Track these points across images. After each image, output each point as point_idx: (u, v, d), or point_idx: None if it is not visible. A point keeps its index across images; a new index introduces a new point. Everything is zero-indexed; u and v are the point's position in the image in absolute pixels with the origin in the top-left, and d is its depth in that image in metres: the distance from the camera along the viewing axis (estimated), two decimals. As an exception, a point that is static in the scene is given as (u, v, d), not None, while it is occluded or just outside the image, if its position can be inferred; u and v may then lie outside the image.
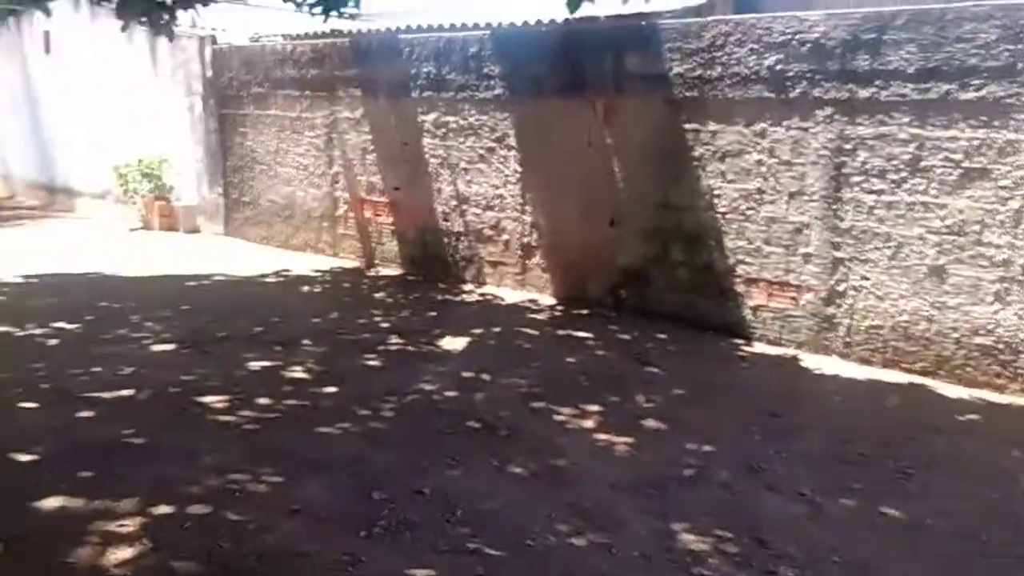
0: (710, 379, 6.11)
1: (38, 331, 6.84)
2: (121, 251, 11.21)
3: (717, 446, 4.86)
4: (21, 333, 6.77)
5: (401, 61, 9.55)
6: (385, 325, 7.47)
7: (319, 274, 9.96)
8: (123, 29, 9.06)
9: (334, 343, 6.77)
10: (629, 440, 4.91)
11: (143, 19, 8.87)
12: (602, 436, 4.97)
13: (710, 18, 7.36)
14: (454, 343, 6.82)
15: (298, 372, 5.95)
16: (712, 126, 7.14)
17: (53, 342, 6.54)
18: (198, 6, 9.13)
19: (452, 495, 4.10)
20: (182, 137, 13.16)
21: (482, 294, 8.75)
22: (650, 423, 5.20)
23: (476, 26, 9.13)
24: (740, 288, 7.12)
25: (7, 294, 8.29)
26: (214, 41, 12.51)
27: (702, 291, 7.36)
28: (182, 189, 13.29)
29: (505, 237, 8.86)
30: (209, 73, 12.50)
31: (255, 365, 6.08)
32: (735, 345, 6.93)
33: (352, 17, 10.06)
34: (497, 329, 7.25)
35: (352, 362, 6.24)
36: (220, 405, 5.20)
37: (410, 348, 6.66)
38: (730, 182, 7.10)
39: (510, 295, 8.61)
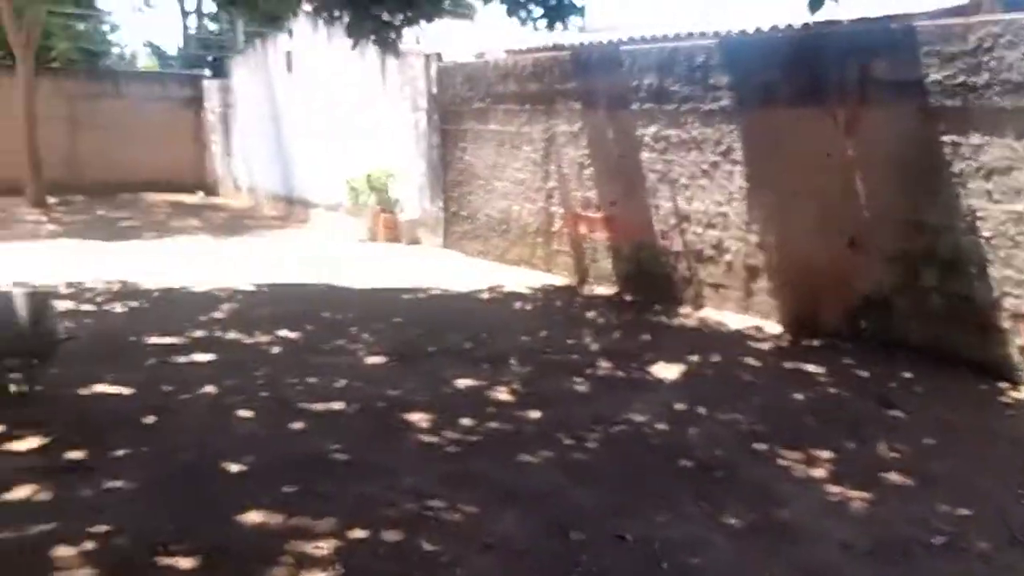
0: (966, 427, 5.28)
1: (264, 339, 7.11)
2: (346, 262, 11.66)
3: (974, 508, 4.12)
4: (248, 340, 7.07)
5: (621, 73, 9.22)
6: (595, 347, 7.15)
7: (531, 290, 9.82)
8: (353, 47, 9.42)
9: (541, 363, 6.53)
10: (867, 495, 4.26)
11: (372, 37, 9.13)
12: (834, 488, 4.36)
13: (975, 18, 6.44)
14: (667, 371, 6.37)
15: (503, 393, 5.74)
16: (976, 139, 6.23)
17: (276, 350, 6.76)
18: (422, 23, 9.32)
19: (657, 544, 3.68)
20: (407, 152, 13.58)
21: (700, 318, 8.23)
22: (892, 476, 4.51)
23: (703, 35, 8.63)
24: (1006, 323, 6.15)
25: (240, 302, 8.76)
26: (439, 58, 12.80)
27: (957, 324, 6.44)
28: (406, 202, 13.71)
29: (728, 258, 8.28)
30: (434, 89, 12.80)
31: (461, 383, 5.94)
32: (997, 388, 5.99)
33: (580, 29, 9.90)
34: (716, 358, 6.72)
35: (558, 385, 5.96)
36: (424, 424, 5.07)
37: (620, 373, 6.29)
38: (996, 202, 6.16)
39: (732, 320, 8.02)
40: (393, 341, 7.13)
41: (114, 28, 41.32)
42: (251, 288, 9.53)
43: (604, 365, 6.52)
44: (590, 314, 8.58)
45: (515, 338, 7.38)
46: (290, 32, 16.99)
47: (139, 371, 5.97)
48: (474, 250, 12.19)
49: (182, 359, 6.36)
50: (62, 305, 8.08)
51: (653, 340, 7.40)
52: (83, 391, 5.43)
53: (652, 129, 8.95)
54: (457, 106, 12.29)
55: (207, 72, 24.25)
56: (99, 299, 8.55)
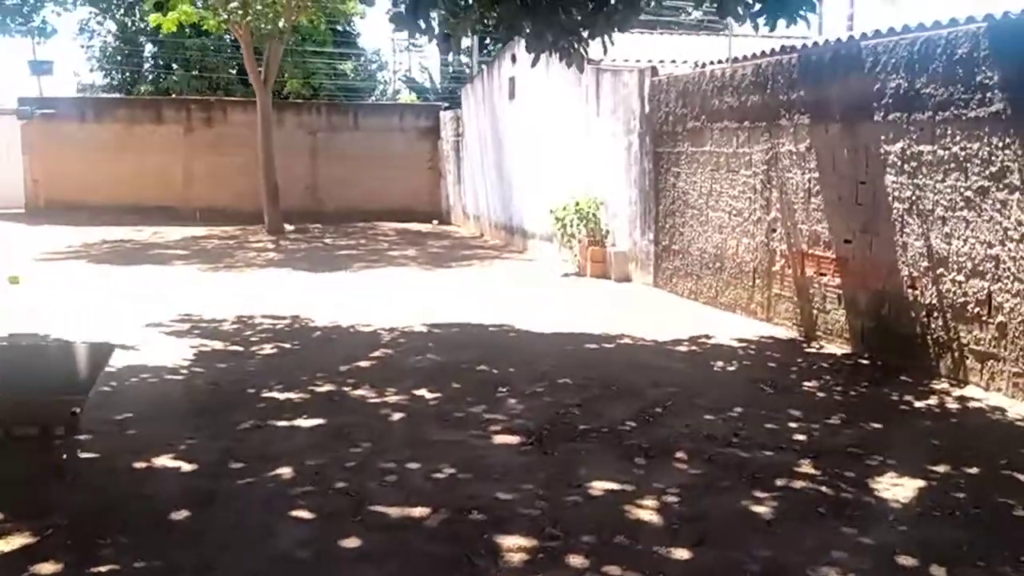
0: None
1: (392, 399, 6.05)
2: (542, 300, 10.50)
3: None
4: (374, 400, 6.03)
5: (859, 76, 7.30)
6: (800, 438, 5.36)
7: (741, 344, 8.08)
8: (533, 63, 8.25)
9: (718, 462, 4.89)
10: None
11: (554, 50, 7.90)
12: None
13: None
14: (898, 487, 4.49)
15: (648, 510, 4.20)
16: None
17: (396, 417, 5.66)
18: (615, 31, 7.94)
19: None
20: (618, 178, 12.23)
21: (960, 398, 6.12)
22: None
23: (969, 20, 6.49)
24: None
25: (401, 346, 7.82)
26: (654, 73, 11.35)
27: None
28: (617, 234, 12.34)
29: (1000, 318, 6.11)
30: (647, 108, 11.36)
31: (597, 486, 4.47)
32: None
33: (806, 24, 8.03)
34: (974, 469, 4.72)
35: (729, 503, 4.31)
36: (518, 555, 3.68)
37: (824, 488, 4.50)
38: None
39: (1007, 405, 5.86)
40: (542, 412, 5.78)
41: (381, 66, 43.72)
42: (423, 329, 8.59)
43: (806, 471, 4.74)
44: (808, 384, 6.72)
45: (697, 416, 5.76)
46: (513, 58, 16.26)
47: (223, 438, 5.09)
48: (685, 289, 10.57)
49: (283, 423, 5.42)
50: (212, 345, 7.59)
51: (886, 431, 5.46)
52: (137, 463, 4.60)
53: (898, 145, 6.94)
54: (671, 126, 10.76)
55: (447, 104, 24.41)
56: (255, 338, 7.97)
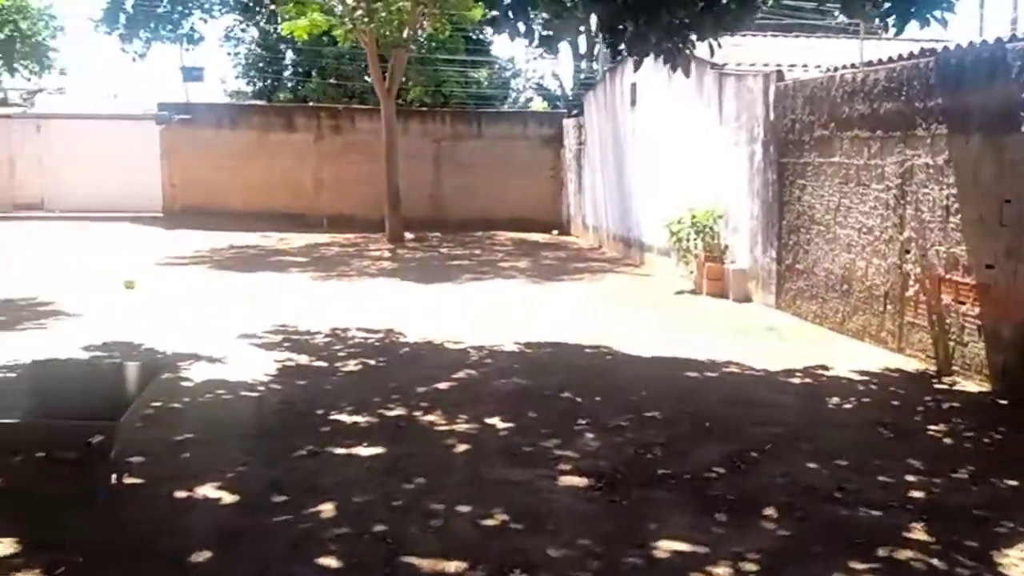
0: None
1: (462, 427, 5.68)
2: (649, 320, 9.91)
3: None
4: (442, 428, 5.68)
5: (1005, 82, 6.40)
6: (916, 494, 4.63)
7: (864, 379, 7.27)
8: (636, 67, 7.77)
9: (812, 521, 4.25)
10: None
11: (657, 52, 7.37)
12: None
13: None
14: (1031, 569, 3.74)
15: (720, 578, 3.64)
16: None
17: (460, 449, 5.27)
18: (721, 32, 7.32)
19: None
20: (739, 190, 11.47)
21: (1121, 457, 5.19)
22: None
23: None
24: None
25: (486, 367, 7.45)
26: (780, 77, 10.56)
27: None
28: (737, 250, 11.58)
29: None
30: (771, 115, 10.57)
31: (664, 546, 3.94)
32: None
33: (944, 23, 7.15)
34: None
35: (822, 573, 3.68)
36: (553, 630, 3.21)
37: (935, 561, 3.81)
38: None
39: None
40: (620, 451, 5.27)
41: (516, 74, 43.83)
42: (514, 348, 8.20)
43: (918, 537, 4.05)
44: (935, 427, 5.91)
45: (798, 463, 5.11)
46: (637, 64, 15.66)
47: (276, 465, 4.84)
48: (809, 313, 9.74)
49: (341, 451, 5.13)
50: (298, 359, 7.45)
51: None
52: (179, 492, 4.39)
53: (1052, 160, 6.02)
54: (797, 135, 9.96)
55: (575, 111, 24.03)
56: (343, 353, 7.79)
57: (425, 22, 18.51)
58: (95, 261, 13.49)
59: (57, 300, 9.93)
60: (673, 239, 12.30)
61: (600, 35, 7.77)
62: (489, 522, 4.17)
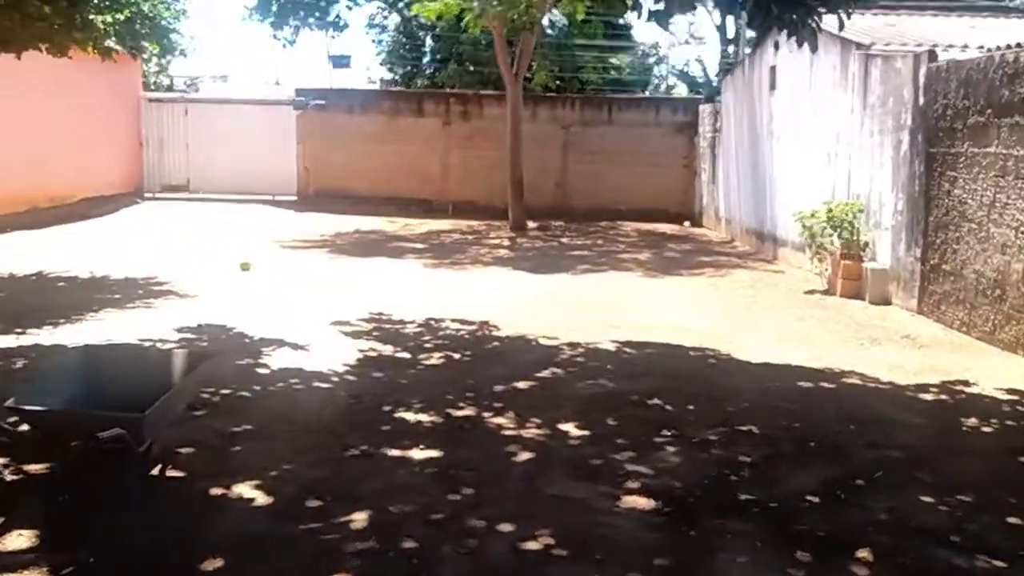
0: None
1: (530, 432, 5.22)
2: (769, 321, 9.16)
3: None
4: (510, 431, 5.23)
5: None
6: (1053, 552, 3.83)
7: (1011, 399, 6.36)
8: (755, 46, 7.05)
9: (920, 568, 3.57)
10: None
11: (780, 25, 6.64)
12: None
13: None
14: None
15: (784, 642, 3.05)
16: None
17: (522, 457, 4.81)
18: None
19: None
20: (883, 181, 10.45)
21: None
22: None
23: None
24: None
25: (575, 367, 6.95)
26: (932, 58, 9.47)
27: None
28: (877, 247, 10.56)
29: None
30: (921, 100, 9.52)
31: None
32: None
33: None
34: None
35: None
36: None
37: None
38: None
39: None
40: (700, 470, 4.69)
41: (659, 60, 42.73)
42: (610, 347, 7.67)
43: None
44: (1093, 466, 4.99)
45: (911, 496, 4.39)
46: (776, 44, 14.64)
47: (323, 465, 4.55)
48: (956, 319, 8.71)
49: (395, 452, 4.78)
50: (382, 350, 7.20)
51: None
52: (215, 489, 4.15)
53: None
54: (949, 121, 8.92)
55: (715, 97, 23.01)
56: (429, 345, 7.48)
57: (555, 6, 18.05)
58: (223, 241, 13.84)
59: (175, 280, 10.13)
60: (806, 234, 11.36)
61: (717, 6, 7.09)
62: (531, 545, 3.71)
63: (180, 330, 7.46)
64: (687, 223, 19.87)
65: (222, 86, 34.82)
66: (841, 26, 6.62)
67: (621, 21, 36.51)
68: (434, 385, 6.14)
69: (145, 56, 15.42)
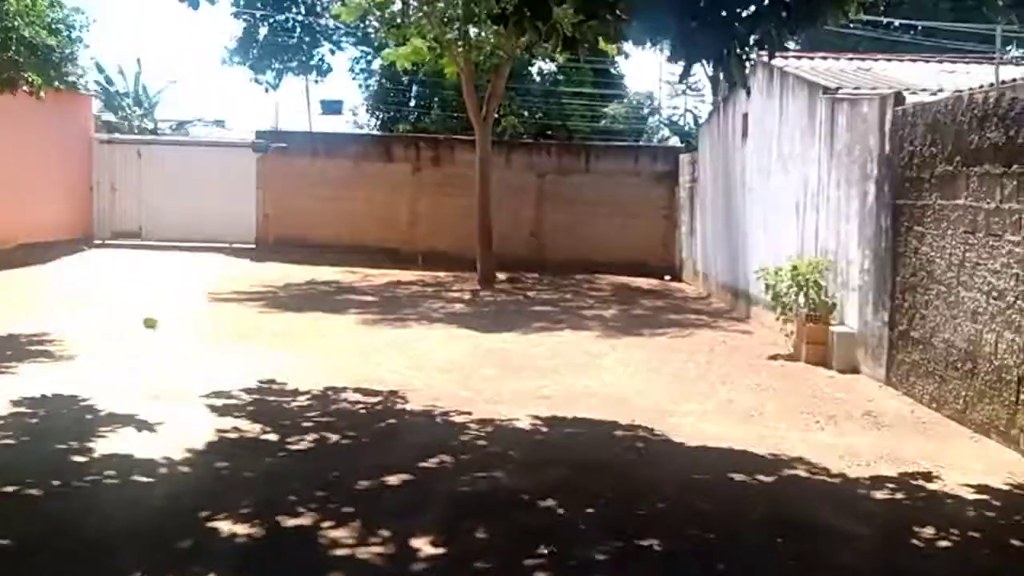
0: None
1: (368, 551, 4.20)
2: (719, 392, 8.18)
3: None
4: (342, 548, 4.19)
5: None
6: None
7: (979, 498, 5.36)
8: (681, 78, 6.19)
9: None
10: None
11: (707, 57, 5.75)
12: None
13: None
14: None
15: None
16: None
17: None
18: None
19: None
20: (849, 236, 9.52)
21: None
22: None
23: None
24: None
25: (471, 453, 5.93)
26: (898, 101, 8.59)
27: None
28: (846, 309, 9.58)
29: None
30: (887, 148, 8.62)
31: None
32: None
33: None
34: None
35: None
36: None
37: None
38: None
39: None
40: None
41: (653, 111, 42.23)
42: (526, 425, 6.69)
43: None
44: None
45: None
46: (748, 91, 13.85)
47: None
48: (924, 393, 7.71)
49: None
50: (246, 430, 6.19)
51: None
52: None
53: None
54: (914, 170, 8.01)
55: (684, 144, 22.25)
56: (308, 424, 6.47)
57: (527, 50, 17.33)
58: (151, 293, 12.89)
59: (66, 338, 9.17)
60: (770, 292, 10.38)
61: (638, 34, 6.21)
62: None
63: (18, 403, 6.47)
64: (667, 277, 18.92)
65: (216, 131, 34.14)
66: (771, 55, 5.70)
67: (613, 70, 36.10)
68: (282, 481, 5.12)
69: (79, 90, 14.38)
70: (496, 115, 18.99)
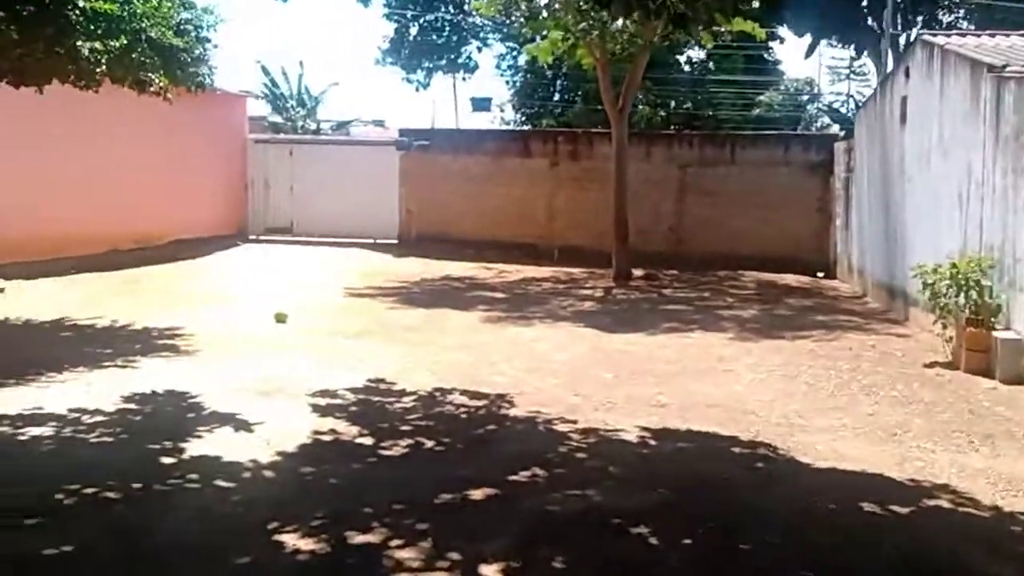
0: None
1: (433, 576, 3.89)
2: (863, 407, 7.36)
3: None
4: (404, 573, 3.91)
5: None
6: None
7: None
8: (808, 54, 5.49)
9: None
10: None
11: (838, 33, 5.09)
12: None
13: None
14: None
15: None
16: None
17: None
18: None
19: None
20: (1016, 230, 8.44)
21: None
22: None
23: None
24: None
25: (570, 467, 5.53)
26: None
27: None
28: (1013, 311, 8.51)
29: None
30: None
31: None
32: None
33: None
34: None
35: None
36: None
37: None
38: None
39: None
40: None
41: (813, 98, 40.17)
42: (632, 437, 6.22)
43: None
44: None
45: None
46: (907, 72, 12.70)
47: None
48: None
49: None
50: (344, 432, 6.04)
51: None
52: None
53: None
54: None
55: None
56: (407, 427, 6.26)
57: (668, 38, 16.64)
58: (291, 287, 13.20)
59: (197, 332, 9.44)
60: (927, 292, 9.37)
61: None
62: None
63: (128, 398, 6.59)
64: (819, 274, 17.77)
65: (374, 130, 35.03)
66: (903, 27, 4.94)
67: (767, 56, 34.48)
68: (362, 490, 4.91)
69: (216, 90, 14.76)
70: (632, 106, 18.38)
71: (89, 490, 4.69)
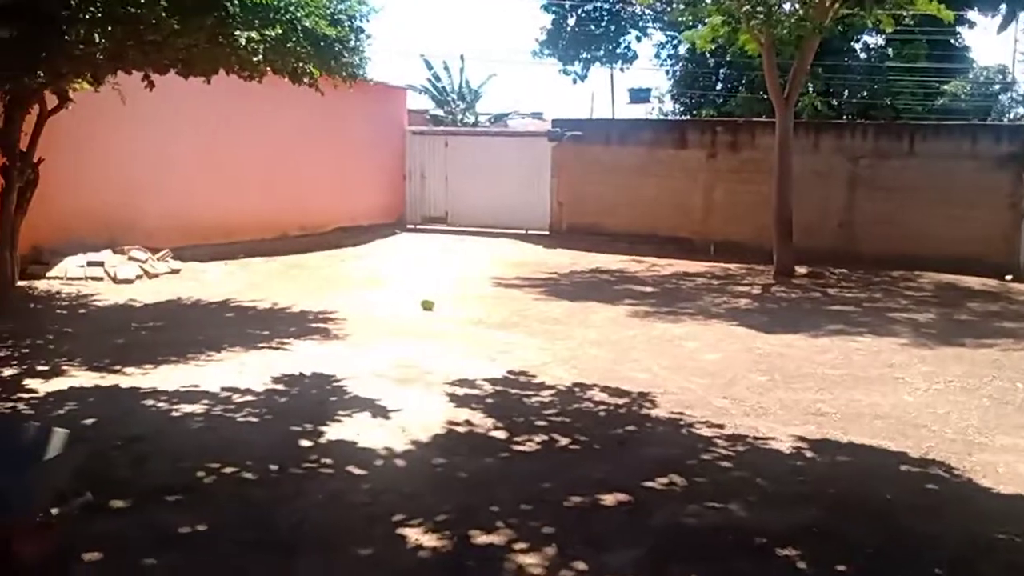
0: None
1: (556, 586, 3.66)
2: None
3: None
4: (526, 580, 3.71)
5: None
6: None
7: None
8: (1001, 29, 4.75)
9: None
10: None
11: None
12: None
13: None
14: None
15: None
16: None
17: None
18: None
19: None
20: None
21: None
22: None
23: None
24: None
25: (711, 474, 5.15)
26: None
27: None
28: None
29: None
30: None
31: None
32: None
33: None
34: None
35: None
36: None
37: None
38: None
39: None
40: None
41: (1007, 86, 37.10)
42: (785, 446, 5.76)
43: None
44: None
45: None
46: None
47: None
48: None
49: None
50: (473, 424, 5.91)
51: None
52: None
53: None
54: None
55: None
56: (542, 422, 6.05)
57: (844, 20, 15.63)
58: (443, 276, 13.34)
59: (348, 316, 9.65)
60: None
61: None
62: None
63: (277, 379, 6.75)
64: (1008, 277, 16.24)
65: (533, 123, 35.14)
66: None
67: (954, 42, 31.96)
68: (491, 486, 4.75)
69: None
70: (800, 94, 17.42)
71: (228, 469, 4.77)
